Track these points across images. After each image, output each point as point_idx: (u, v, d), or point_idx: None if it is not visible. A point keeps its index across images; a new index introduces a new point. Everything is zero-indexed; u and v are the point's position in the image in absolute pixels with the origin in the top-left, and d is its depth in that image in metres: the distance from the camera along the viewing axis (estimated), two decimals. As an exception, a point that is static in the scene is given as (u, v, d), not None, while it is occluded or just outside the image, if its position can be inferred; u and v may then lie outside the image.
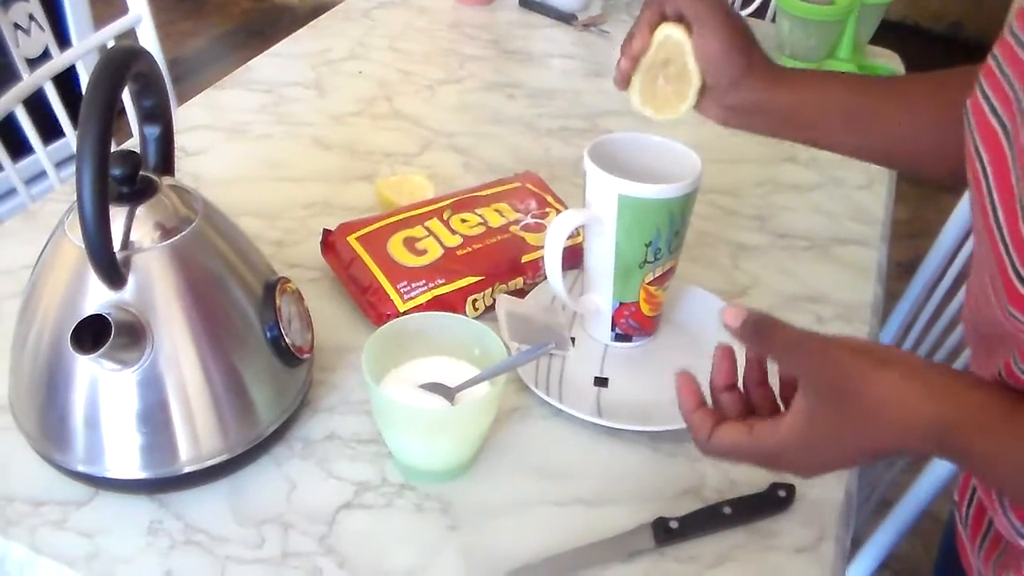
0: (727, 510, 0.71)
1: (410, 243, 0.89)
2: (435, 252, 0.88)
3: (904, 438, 0.55)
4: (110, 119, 0.59)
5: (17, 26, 1.36)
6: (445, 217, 0.92)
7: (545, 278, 0.82)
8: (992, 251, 0.58)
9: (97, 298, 0.64)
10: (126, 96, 0.75)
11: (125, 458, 0.68)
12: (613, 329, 0.85)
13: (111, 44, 1.42)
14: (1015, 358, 0.58)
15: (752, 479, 0.75)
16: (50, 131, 1.39)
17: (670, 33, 0.74)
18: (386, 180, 1.04)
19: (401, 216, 0.92)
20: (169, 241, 0.66)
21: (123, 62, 0.63)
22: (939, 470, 0.95)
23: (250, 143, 1.14)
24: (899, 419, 0.55)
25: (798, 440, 0.57)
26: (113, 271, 0.63)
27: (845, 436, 0.56)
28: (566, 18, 1.49)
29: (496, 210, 0.94)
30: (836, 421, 0.56)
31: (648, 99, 0.78)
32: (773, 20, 1.51)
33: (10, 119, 1.30)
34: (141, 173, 0.67)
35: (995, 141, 0.59)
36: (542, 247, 0.79)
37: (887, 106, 0.78)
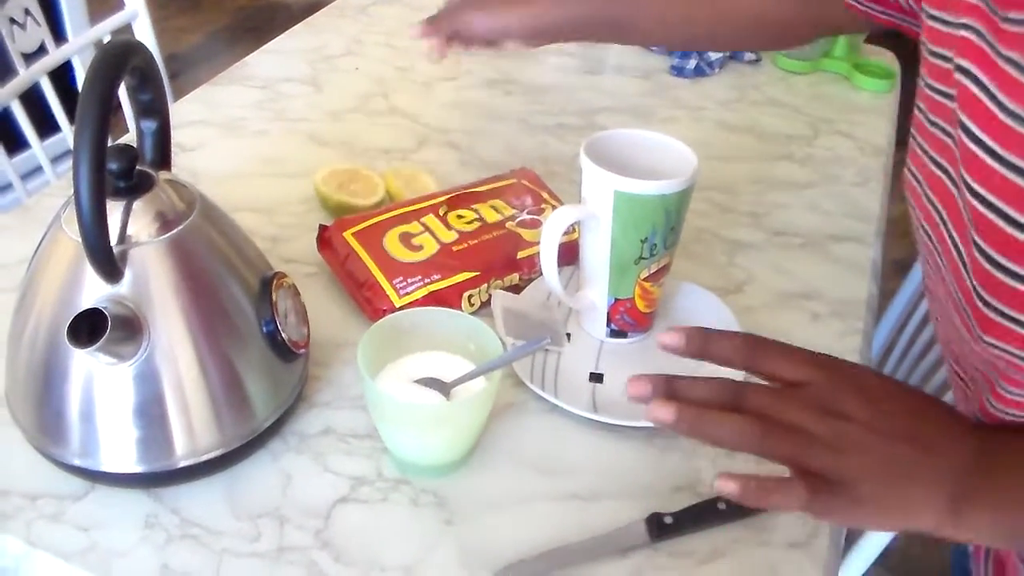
0: (721, 505, 0.71)
1: (406, 239, 0.89)
2: (431, 248, 0.88)
3: (953, 444, 0.54)
4: (107, 113, 0.59)
5: (13, 21, 1.36)
6: (441, 213, 0.92)
7: (541, 274, 0.82)
8: (958, 285, 0.59)
9: (93, 292, 0.64)
10: (123, 91, 0.75)
11: (121, 452, 0.68)
12: (608, 325, 0.85)
13: (107, 39, 1.42)
14: (999, 384, 0.59)
15: (747, 475, 0.75)
16: (46, 126, 1.40)
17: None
18: (397, 171, 1.04)
19: (397, 212, 0.92)
20: (166, 235, 0.66)
21: (120, 56, 0.63)
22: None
23: (246, 139, 1.14)
24: (949, 424, 0.55)
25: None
26: (110, 265, 0.63)
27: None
28: (562, 15, 1.49)
29: (492, 206, 0.95)
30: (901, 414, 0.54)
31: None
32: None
33: (6, 114, 1.30)
34: (138, 167, 0.67)
35: (943, 188, 0.61)
36: (538, 243, 0.80)
37: None
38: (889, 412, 0.53)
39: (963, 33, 0.57)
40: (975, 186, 0.56)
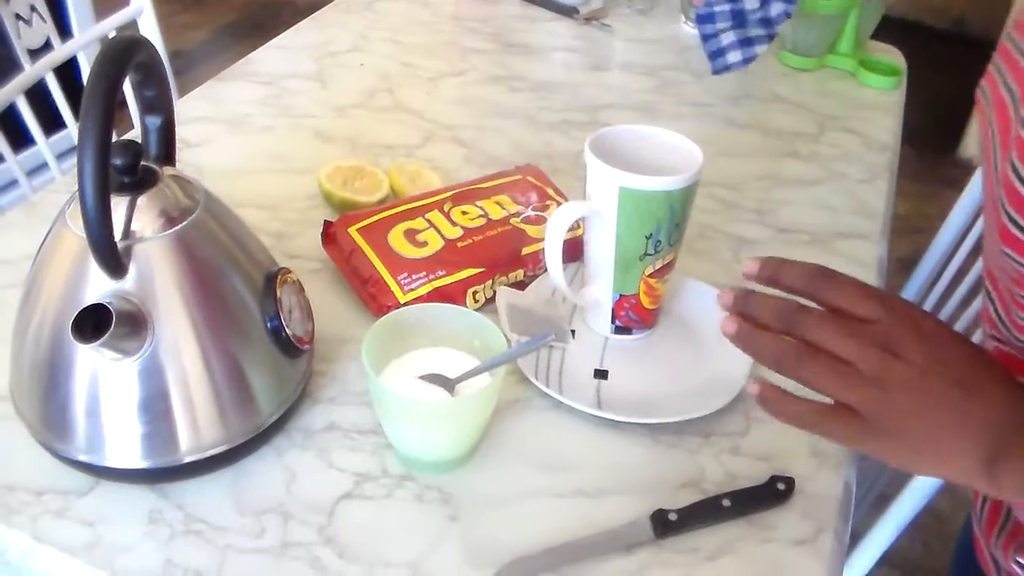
0: (726, 503, 0.71)
1: (411, 235, 0.89)
2: (436, 244, 0.88)
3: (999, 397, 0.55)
4: (111, 108, 0.59)
5: (19, 17, 1.36)
6: (446, 209, 0.92)
7: (545, 270, 0.82)
8: (991, 197, 0.64)
9: (98, 287, 0.65)
10: (127, 87, 0.75)
11: (126, 448, 0.68)
12: (613, 321, 0.85)
13: (112, 35, 1.42)
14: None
15: (751, 472, 0.75)
16: (51, 122, 1.40)
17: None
18: (401, 167, 1.04)
19: (402, 208, 0.92)
20: (170, 231, 0.66)
21: (124, 51, 0.63)
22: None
23: (252, 135, 1.14)
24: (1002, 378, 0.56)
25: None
26: (114, 260, 0.64)
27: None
28: (567, 12, 1.49)
29: (497, 202, 0.94)
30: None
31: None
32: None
33: (11, 110, 1.30)
34: (142, 163, 0.67)
35: (1004, 112, 0.64)
36: (543, 239, 0.80)
37: None
38: (944, 359, 0.55)
39: None
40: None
